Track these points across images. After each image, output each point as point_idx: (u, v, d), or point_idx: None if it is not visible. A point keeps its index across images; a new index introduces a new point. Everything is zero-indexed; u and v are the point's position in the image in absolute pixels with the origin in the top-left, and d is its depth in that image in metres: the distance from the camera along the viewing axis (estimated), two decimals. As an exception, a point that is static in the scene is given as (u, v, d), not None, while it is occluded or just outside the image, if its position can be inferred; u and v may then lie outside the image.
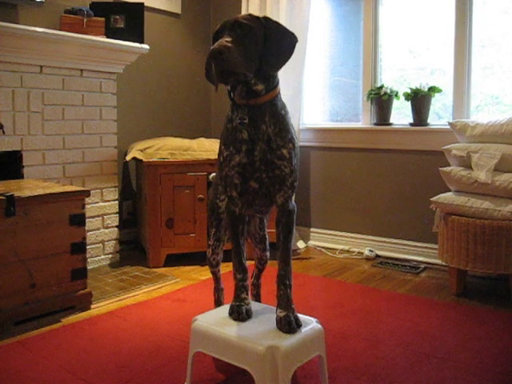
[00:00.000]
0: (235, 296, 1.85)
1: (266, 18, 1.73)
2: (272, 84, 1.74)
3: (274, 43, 1.69)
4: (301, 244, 4.12)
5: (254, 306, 1.89)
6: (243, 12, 4.14)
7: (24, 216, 2.49)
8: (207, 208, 2.32)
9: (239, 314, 1.80)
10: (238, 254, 1.85)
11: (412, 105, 3.66)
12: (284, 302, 1.75)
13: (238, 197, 1.79)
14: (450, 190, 3.10)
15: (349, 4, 4.13)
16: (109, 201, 3.62)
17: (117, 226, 3.68)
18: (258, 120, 1.72)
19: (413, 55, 3.92)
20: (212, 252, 2.16)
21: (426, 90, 3.59)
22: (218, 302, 2.30)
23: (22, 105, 3.13)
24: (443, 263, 3.13)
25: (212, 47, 1.58)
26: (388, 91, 3.75)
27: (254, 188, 1.76)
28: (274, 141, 1.72)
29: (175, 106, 4.45)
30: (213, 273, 2.26)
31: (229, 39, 1.59)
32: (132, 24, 3.61)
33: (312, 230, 4.23)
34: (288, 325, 1.71)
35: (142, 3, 3.71)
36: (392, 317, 2.65)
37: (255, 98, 1.71)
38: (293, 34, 1.76)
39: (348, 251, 3.97)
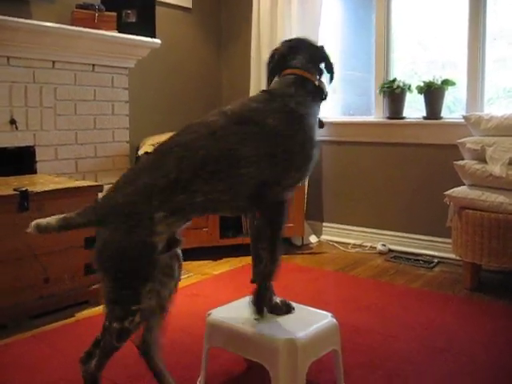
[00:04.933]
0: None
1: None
2: None
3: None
4: (313, 238, 4.11)
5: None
6: (254, 6, 4.12)
7: (37, 211, 2.49)
8: (114, 258, 1.52)
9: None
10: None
11: (425, 98, 3.62)
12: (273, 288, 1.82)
13: None
14: (463, 184, 3.08)
15: (360, -2, 4.11)
16: (121, 196, 3.62)
17: (129, 221, 3.68)
18: None
19: (423, 48, 3.89)
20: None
21: (440, 83, 3.55)
22: None
23: (35, 100, 3.14)
24: (457, 258, 3.10)
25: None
26: (401, 84, 3.72)
27: None
28: None
29: (187, 101, 4.44)
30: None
31: None
32: (144, 18, 3.60)
33: (324, 224, 4.21)
34: (289, 305, 1.81)
35: (154, -3, 3.70)
36: (406, 311, 2.64)
37: None
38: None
39: (361, 246, 3.95)
